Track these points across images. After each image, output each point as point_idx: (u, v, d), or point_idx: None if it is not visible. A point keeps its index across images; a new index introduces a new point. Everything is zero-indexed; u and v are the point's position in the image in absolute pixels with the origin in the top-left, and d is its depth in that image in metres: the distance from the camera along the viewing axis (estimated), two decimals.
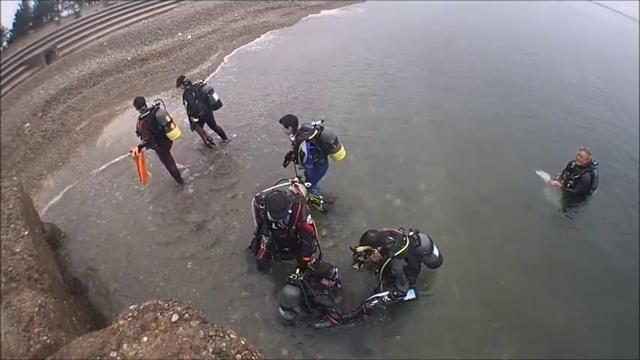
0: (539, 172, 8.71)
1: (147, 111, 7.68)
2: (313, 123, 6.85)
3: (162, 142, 7.94)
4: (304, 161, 6.83)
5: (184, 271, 6.92)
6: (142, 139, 7.77)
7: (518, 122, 10.90)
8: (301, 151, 6.75)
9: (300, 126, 6.89)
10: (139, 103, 7.80)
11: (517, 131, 10.42)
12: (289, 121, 6.84)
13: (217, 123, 9.64)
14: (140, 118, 7.70)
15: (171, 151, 8.39)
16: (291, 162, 7.20)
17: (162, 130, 7.73)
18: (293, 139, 6.85)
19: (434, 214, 7.78)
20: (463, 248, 7.03)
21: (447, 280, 6.50)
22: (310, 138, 6.69)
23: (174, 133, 7.83)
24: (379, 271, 5.70)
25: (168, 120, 7.71)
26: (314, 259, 6.10)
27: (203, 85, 8.96)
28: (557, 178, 8.32)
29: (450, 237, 7.17)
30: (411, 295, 5.77)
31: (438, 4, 21.97)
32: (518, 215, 7.83)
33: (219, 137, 9.81)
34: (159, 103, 7.81)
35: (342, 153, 7.03)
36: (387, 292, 5.62)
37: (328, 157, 7.10)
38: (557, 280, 6.69)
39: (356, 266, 5.99)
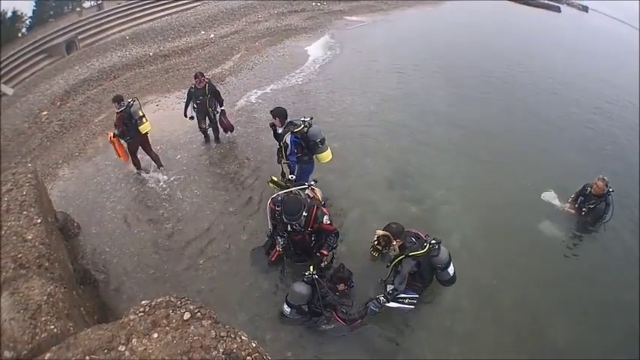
0: (546, 195, 8.39)
1: (124, 106, 8.40)
2: (302, 119, 6.85)
3: (135, 134, 8.60)
4: (287, 153, 6.92)
5: (197, 269, 6.83)
6: (116, 129, 8.54)
7: (543, 137, 10.69)
8: (285, 142, 6.82)
9: (289, 120, 6.97)
10: (118, 99, 8.52)
11: (540, 147, 10.20)
12: (278, 113, 6.96)
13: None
14: (117, 112, 8.47)
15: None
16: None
17: (135, 123, 8.42)
18: (280, 131, 6.91)
19: (449, 224, 7.60)
20: (477, 261, 6.86)
21: (459, 292, 6.32)
22: (296, 131, 6.71)
23: (145, 127, 8.56)
24: (390, 265, 5.61)
25: (141, 114, 8.46)
26: (330, 258, 6.10)
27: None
28: (570, 201, 8.03)
29: (465, 249, 7.01)
30: (412, 294, 5.62)
31: (459, 16, 21.89)
32: (533, 231, 7.63)
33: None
34: (134, 100, 8.57)
35: (327, 155, 7.00)
36: (383, 294, 5.51)
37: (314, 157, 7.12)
38: (569, 297, 6.52)
39: (375, 254, 6.03)
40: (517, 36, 20.32)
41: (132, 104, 8.44)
